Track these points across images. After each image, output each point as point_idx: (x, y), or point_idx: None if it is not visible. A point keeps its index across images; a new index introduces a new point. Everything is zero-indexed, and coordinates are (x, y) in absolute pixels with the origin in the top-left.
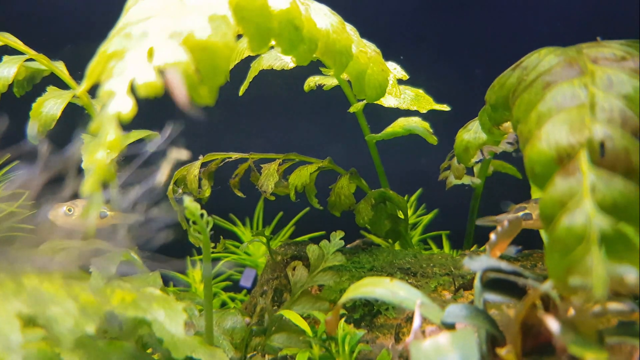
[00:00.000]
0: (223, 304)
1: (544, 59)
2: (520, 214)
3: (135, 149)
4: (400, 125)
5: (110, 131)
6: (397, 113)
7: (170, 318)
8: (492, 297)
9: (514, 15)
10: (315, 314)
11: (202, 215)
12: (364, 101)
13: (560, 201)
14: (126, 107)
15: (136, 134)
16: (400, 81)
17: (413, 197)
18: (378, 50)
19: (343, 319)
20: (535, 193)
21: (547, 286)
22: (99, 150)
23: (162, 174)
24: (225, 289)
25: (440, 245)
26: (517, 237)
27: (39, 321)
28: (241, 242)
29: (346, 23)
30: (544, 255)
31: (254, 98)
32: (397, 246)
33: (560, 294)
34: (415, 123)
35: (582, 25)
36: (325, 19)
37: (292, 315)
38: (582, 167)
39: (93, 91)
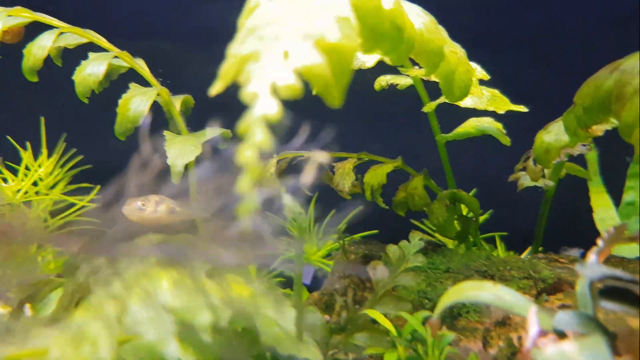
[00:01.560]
0: None
1: None
2: None
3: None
4: (472, 125)
5: (258, 132)
6: (452, 113)
7: (280, 313)
8: (609, 305)
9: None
10: (403, 315)
11: (300, 213)
12: (437, 101)
13: None
14: (272, 108)
15: (211, 132)
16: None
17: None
18: (463, 50)
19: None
20: (595, 195)
21: None
22: (250, 150)
23: (307, 176)
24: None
25: (493, 246)
26: (575, 240)
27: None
28: None
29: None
30: None
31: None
32: (462, 248)
33: None
34: (487, 123)
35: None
36: (419, 19)
37: (376, 315)
38: None
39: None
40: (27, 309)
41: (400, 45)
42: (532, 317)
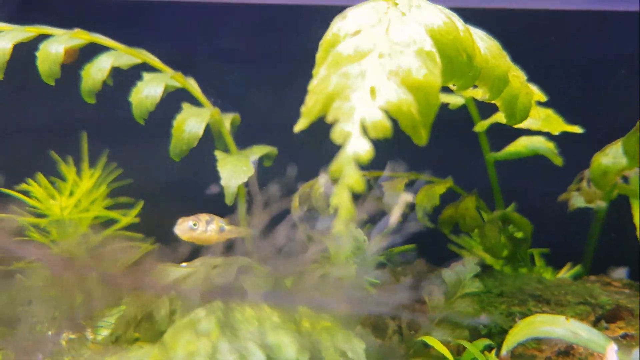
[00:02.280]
0: None
1: None
2: None
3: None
4: (523, 144)
5: (351, 173)
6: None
7: (351, 348)
8: None
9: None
10: (463, 343)
11: (364, 240)
12: (489, 120)
13: None
14: (363, 148)
15: (259, 150)
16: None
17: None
18: (522, 72)
19: (493, 351)
20: (638, 213)
21: None
22: (343, 192)
23: (394, 217)
24: None
25: (531, 262)
26: (623, 260)
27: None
28: None
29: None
30: None
31: None
32: (507, 269)
33: None
34: (539, 143)
35: None
36: (482, 43)
37: (433, 342)
38: None
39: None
40: (88, 332)
41: (468, 72)
42: (612, 355)
